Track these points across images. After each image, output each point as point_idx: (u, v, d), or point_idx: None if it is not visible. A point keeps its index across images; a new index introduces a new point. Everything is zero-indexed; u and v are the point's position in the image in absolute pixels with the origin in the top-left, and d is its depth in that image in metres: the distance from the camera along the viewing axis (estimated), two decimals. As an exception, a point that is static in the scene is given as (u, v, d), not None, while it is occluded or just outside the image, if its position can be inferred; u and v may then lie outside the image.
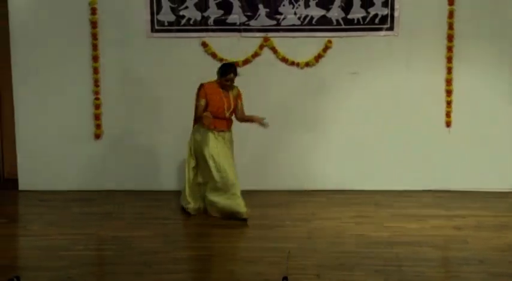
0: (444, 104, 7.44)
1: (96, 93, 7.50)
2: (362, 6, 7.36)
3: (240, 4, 7.37)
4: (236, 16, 7.40)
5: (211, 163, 6.50)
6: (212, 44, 7.41)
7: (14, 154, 7.65)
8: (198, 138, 6.57)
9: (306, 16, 7.39)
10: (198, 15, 7.40)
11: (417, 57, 7.38)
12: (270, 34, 7.42)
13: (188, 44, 7.38)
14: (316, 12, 7.38)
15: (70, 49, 7.42)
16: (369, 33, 7.39)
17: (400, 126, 7.45)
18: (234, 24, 7.41)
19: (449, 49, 7.36)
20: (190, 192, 6.68)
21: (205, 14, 7.40)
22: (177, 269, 5.30)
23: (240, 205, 6.47)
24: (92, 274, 5.32)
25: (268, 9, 7.38)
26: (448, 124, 7.46)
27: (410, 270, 5.23)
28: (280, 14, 7.39)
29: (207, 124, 6.39)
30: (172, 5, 7.39)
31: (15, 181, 7.67)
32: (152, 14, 7.40)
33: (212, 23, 7.41)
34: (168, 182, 7.52)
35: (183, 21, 7.41)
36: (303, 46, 7.41)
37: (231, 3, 7.37)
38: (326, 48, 7.43)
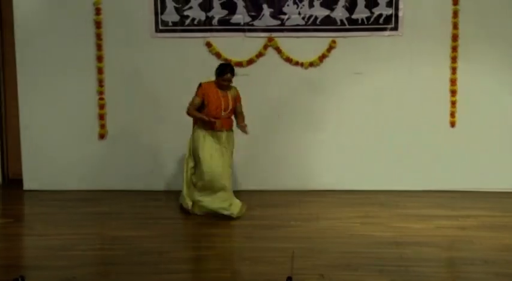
0: (448, 104, 7.43)
1: (101, 93, 7.51)
2: (366, 6, 7.35)
3: (244, 4, 7.37)
4: (240, 16, 7.40)
5: (201, 162, 6.53)
6: (216, 44, 7.41)
7: (19, 154, 7.65)
8: (195, 138, 6.61)
9: (310, 16, 7.39)
10: (202, 15, 7.40)
11: (421, 57, 7.37)
12: (274, 34, 7.42)
13: (192, 44, 7.38)
14: (320, 12, 7.38)
15: (75, 49, 7.42)
16: (373, 33, 7.39)
17: (404, 126, 7.44)
18: (238, 24, 7.41)
19: (454, 49, 7.35)
20: (189, 192, 6.69)
21: (210, 14, 7.40)
22: (181, 269, 5.30)
23: (224, 207, 6.51)
24: (96, 273, 5.32)
25: (272, 9, 7.38)
26: (453, 124, 7.45)
27: (414, 270, 5.22)
28: (285, 14, 7.39)
29: (219, 127, 6.50)
30: (177, 5, 7.39)
31: (19, 181, 7.68)
32: (156, 14, 7.40)
33: (216, 23, 7.41)
34: (171, 182, 7.53)
35: (187, 21, 7.41)
36: (307, 46, 7.40)
37: (235, 4, 7.37)
38: (330, 48, 7.42)
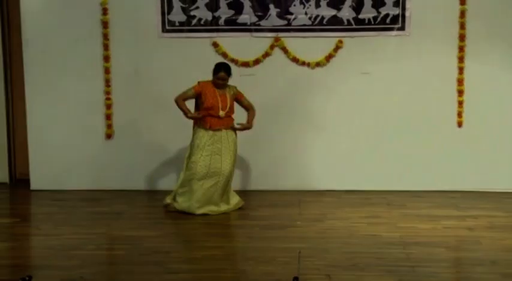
0: (456, 104, 7.41)
1: (108, 93, 7.52)
2: (373, 6, 7.34)
3: (250, 4, 7.36)
4: (247, 16, 7.40)
5: (192, 160, 6.59)
6: (223, 44, 7.42)
7: (26, 154, 7.67)
8: (194, 137, 6.68)
9: (317, 16, 7.38)
10: (209, 15, 7.40)
11: (428, 57, 7.35)
12: (280, 34, 7.41)
13: (199, 44, 7.39)
14: (327, 12, 7.37)
15: (81, 49, 7.44)
16: (380, 33, 7.37)
17: (411, 126, 7.43)
18: (245, 24, 7.41)
19: (461, 49, 7.33)
20: (179, 190, 6.71)
21: (216, 14, 7.40)
22: (189, 269, 5.30)
23: (192, 206, 6.57)
24: (104, 273, 5.33)
25: (279, 9, 7.38)
26: (460, 124, 7.43)
27: (422, 270, 5.21)
28: (291, 14, 7.39)
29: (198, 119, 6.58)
30: (183, 5, 7.39)
31: (27, 181, 7.70)
32: (163, 14, 7.41)
33: (223, 23, 7.41)
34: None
35: (194, 21, 7.41)
36: (314, 46, 7.39)
37: (242, 3, 7.37)
38: (337, 48, 7.41)
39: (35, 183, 7.63)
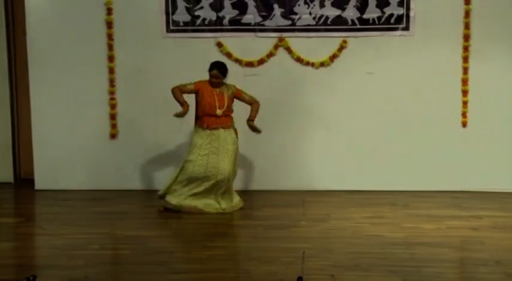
0: (460, 104, 7.40)
1: (112, 93, 7.53)
2: (377, 6, 7.33)
3: (255, 4, 7.37)
4: (251, 16, 7.40)
5: (188, 160, 6.64)
6: (227, 44, 7.42)
7: (31, 154, 7.69)
8: (193, 136, 6.76)
9: (321, 16, 7.38)
10: (213, 15, 7.41)
11: (433, 57, 7.35)
12: (285, 34, 7.41)
13: (203, 44, 7.39)
14: (331, 12, 7.37)
15: (86, 49, 7.45)
16: (385, 33, 7.37)
17: (416, 126, 7.42)
18: (249, 24, 7.42)
19: (466, 49, 7.32)
20: (172, 185, 6.77)
21: (221, 14, 7.41)
22: (193, 269, 5.31)
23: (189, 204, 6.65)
24: (108, 273, 5.34)
25: (283, 9, 7.38)
26: (464, 124, 7.42)
27: (426, 271, 5.20)
28: (295, 14, 7.39)
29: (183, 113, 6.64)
30: (188, 5, 7.40)
31: (31, 181, 7.71)
32: (167, 14, 7.41)
33: (227, 23, 7.42)
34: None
35: (198, 21, 7.42)
36: (318, 46, 7.40)
37: (246, 3, 7.37)
38: (341, 48, 7.41)
39: (40, 183, 7.64)
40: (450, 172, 7.43)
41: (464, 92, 7.39)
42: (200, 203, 6.72)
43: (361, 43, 7.38)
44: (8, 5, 7.76)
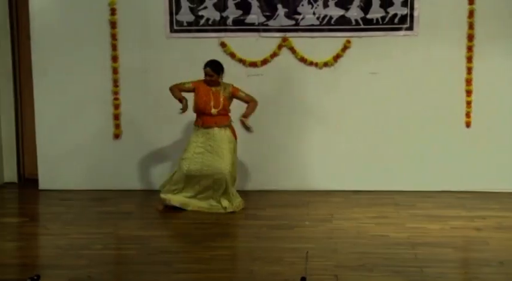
0: (464, 104, 7.39)
1: (116, 93, 7.53)
2: (381, 5, 7.32)
3: (258, 4, 7.36)
4: (255, 16, 7.40)
5: (183, 157, 6.70)
6: (231, 44, 7.42)
7: (35, 154, 7.70)
8: (191, 135, 6.83)
9: (325, 16, 7.37)
10: (217, 16, 7.40)
11: (437, 57, 7.33)
12: (288, 34, 7.41)
13: (207, 44, 7.39)
14: (335, 12, 7.36)
15: (90, 49, 7.45)
16: (388, 33, 7.36)
17: (419, 126, 7.41)
18: (253, 24, 7.41)
19: (470, 49, 7.31)
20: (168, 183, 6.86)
21: (224, 14, 7.40)
22: (197, 269, 5.31)
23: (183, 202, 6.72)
24: (112, 273, 5.35)
25: (287, 9, 7.37)
26: (468, 124, 7.40)
27: (430, 271, 5.20)
28: (299, 14, 7.38)
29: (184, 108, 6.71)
30: (191, 5, 7.40)
31: (35, 181, 7.72)
32: (171, 14, 7.41)
33: (231, 23, 7.41)
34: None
35: (202, 21, 7.42)
36: (322, 46, 7.39)
37: (250, 4, 7.37)
38: (345, 48, 7.40)
39: (44, 183, 7.65)
40: (454, 172, 7.42)
41: (468, 92, 7.37)
42: (205, 204, 6.73)
43: (364, 43, 7.37)
44: (13, 10, 7.76)
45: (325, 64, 7.43)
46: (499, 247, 5.72)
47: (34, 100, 7.60)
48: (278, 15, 7.39)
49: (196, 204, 6.77)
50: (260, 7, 7.37)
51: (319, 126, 7.50)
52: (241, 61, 7.41)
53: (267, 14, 7.38)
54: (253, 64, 7.42)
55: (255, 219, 6.55)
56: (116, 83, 7.51)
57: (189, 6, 7.40)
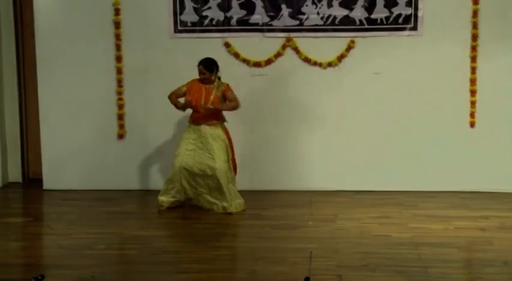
0: (468, 104, 7.38)
1: (120, 93, 7.54)
2: (385, 6, 7.31)
3: (262, 4, 7.36)
4: (259, 16, 7.40)
5: (175, 155, 6.75)
6: (235, 44, 7.42)
7: (39, 154, 7.71)
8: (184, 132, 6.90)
9: (329, 16, 7.37)
10: (221, 16, 7.41)
11: (441, 57, 7.32)
12: (292, 34, 7.40)
13: (211, 45, 7.38)
14: (339, 12, 7.35)
15: (94, 49, 7.47)
16: (393, 33, 7.35)
17: (423, 126, 7.40)
18: (257, 24, 7.41)
19: (474, 49, 7.29)
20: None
21: (228, 14, 7.41)
22: (200, 269, 5.31)
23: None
24: (115, 272, 5.36)
25: (291, 9, 7.37)
26: (472, 124, 7.39)
27: (433, 271, 5.19)
28: (303, 14, 7.38)
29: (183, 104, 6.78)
30: (195, 6, 7.40)
31: (39, 181, 7.74)
32: (175, 14, 7.42)
33: (235, 23, 7.42)
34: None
35: (206, 21, 7.42)
36: (326, 46, 7.38)
37: (254, 4, 7.37)
38: (349, 48, 7.40)
39: (48, 183, 7.67)
40: (458, 172, 7.40)
41: (473, 92, 7.36)
42: (203, 202, 6.74)
43: (369, 43, 7.36)
44: (17, 8, 7.78)
45: (329, 64, 7.43)
46: (503, 247, 5.71)
47: (38, 101, 7.61)
48: (282, 15, 7.39)
49: (194, 202, 6.81)
50: (264, 7, 7.37)
51: (323, 126, 7.49)
52: (245, 61, 7.41)
53: (271, 14, 7.38)
54: (257, 64, 7.42)
55: (257, 219, 6.55)
56: (120, 83, 7.52)
57: (193, 7, 7.41)
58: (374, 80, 7.40)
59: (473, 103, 7.36)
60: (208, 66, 6.71)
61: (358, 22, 7.35)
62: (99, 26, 7.44)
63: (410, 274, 5.13)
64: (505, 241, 5.88)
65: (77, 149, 7.60)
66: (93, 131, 7.58)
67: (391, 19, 7.33)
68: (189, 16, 7.42)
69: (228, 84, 6.78)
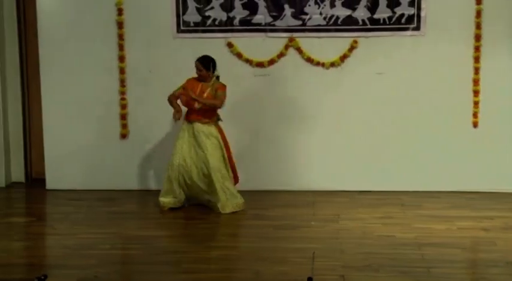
0: (471, 105, 7.37)
1: (122, 93, 7.55)
2: (388, 6, 7.31)
3: (265, 4, 7.36)
4: (261, 16, 7.40)
5: (172, 152, 6.77)
6: (238, 45, 7.42)
7: (42, 154, 7.72)
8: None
9: (332, 16, 7.37)
10: (223, 16, 7.41)
11: (444, 57, 7.31)
12: (295, 34, 7.40)
13: (214, 45, 7.38)
14: (341, 12, 7.35)
15: (97, 49, 7.47)
16: (395, 33, 7.34)
17: (427, 126, 7.39)
18: (260, 24, 7.41)
19: (477, 49, 7.28)
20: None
21: (231, 15, 7.41)
22: (203, 269, 5.31)
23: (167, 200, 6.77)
24: (118, 272, 5.36)
25: (293, 10, 7.37)
26: (475, 125, 7.38)
27: (437, 272, 5.19)
28: (306, 14, 7.37)
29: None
30: (198, 6, 7.41)
31: (42, 181, 7.74)
32: (178, 14, 7.42)
33: (238, 24, 7.41)
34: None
35: (209, 21, 7.42)
36: (329, 46, 7.38)
37: (257, 4, 7.37)
38: (352, 48, 7.39)
39: (51, 183, 7.67)
40: (461, 172, 7.40)
41: (476, 92, 7.35)
42: (203, 199, 6.76)
43: (371, 43, 7.36)
44: (20, 8, 7.79)
45: (332, 64, 7.42)
46: (507, 248, 5.70)
47: (41, 101, 7.61)
48: (285, 15, 7.38)
49: (195, 201, 6.84)
50: (267, 7, 7.37)
51: (325, 126, 7.49)
52: (248, 61, 7.41)
53: (274, 14, 7.38)
54: (260, 64, 7.42)
55: (259, 219, 6.55)
56: (122, 83, 7.53)
57: (196, 7, 7.41)
58: (377, 80, 7.40)
59: (476, 103, 7.35)
60: (205, 63, 6.72)
61: (360, 22, 7.35)
62: (102, 26, 7.44)
63: (414, 275, 5.13)
64: (508, 241, 5.87)
65: (80, 149, 7.60)
66: (96, 131, 7.59)
67: (393, 19, 7.32)
68: (192, 16, 7.42)
69: (223, 84, 6.75)
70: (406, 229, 6.21)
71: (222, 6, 7.39)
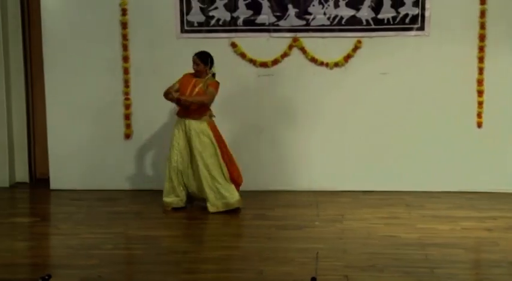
0: (475, 105, 7.36)
1: (126, 93, 7.55)
2: (392, 6, 7.30)
3: (269, 4, 7.36)
4: (265, 16, 7.40)
5: (170, 149, 6.78)
6: (241, 45, 7.42)
7: (46, 155, 7.73)
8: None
9: (336, 16, 7.36)
10: (227, 16, 7.41)
11: (448, 57, 7.31)
12: (299, 34, 7.40)
13: (217, 45, 7.38)
14: (345, 12, 7.35)
15: (101, 49, 7.48)
16: (399, 33, 7.34)
17: (431, 127, 7.39)
18: (263, 24, 7.41)
19: (481, 49, 7.28)
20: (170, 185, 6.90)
21: (235, 15, 7.41)
22: (207, 269, 5.31)
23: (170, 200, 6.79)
24: (122, 272, 5.37)
25: (297, 10, 7.37)
26: (479, 125, 7.37)
27: (440, 272, 5.18)
28: (310, 14, 7.37)
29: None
30: (202, 6, 7.41)
31: (46, 181, 7.76)
32: (182, 14, 7.43)
33: (241, 24, 7.42)
34: (197, 182, 7.55)
35: (213, 21, 7.43)
36: (333, 46, 7.38)
37: (261, 4, 7.37)
38: (355, 48, 7.39)
39: (55, 183, 7.68)
40: (465, 173, 7.39)
41: (480, 93, 7.35)
42: (206, 195, 6.73)
43: (375, 43, 7.35)
44: (24, 8, 7.80)
45: (336, 64, 7.42)
46: (510, 248, 5.70)
47: (45, 101, 7.62)
48: (289, 15, 7.38)
49: (197, 196, 6.84)
50: (271, 7, 7.37)
51: (329, 126, 7.49)
52: (251, 61, 7.42)
53: (278, 14, 7.38)
54: (264, 64, 7.42)
55: (263, 219, 6.55)
56: (126, 83, 7.54)
57: (200, 7, 7.41)
58: (381, 80, 7.40)
59: (480, 104, 7.34)
60: (203, 57, 6.69)
61: (364, 22, 7.34)
62: (106, 26, 7.45)
63: (418, 275, 5.12)
64: (511, 241, 5.85)
65: (84, 149, 7.61)
66: (100, 131, 7.59)
67: (398, 19, 7.32)
68: (196, 16, 7.42)
69: (217, 82, 6.71)
70: (409, 229, 6.20)
71: (225, 6, 7.39)
